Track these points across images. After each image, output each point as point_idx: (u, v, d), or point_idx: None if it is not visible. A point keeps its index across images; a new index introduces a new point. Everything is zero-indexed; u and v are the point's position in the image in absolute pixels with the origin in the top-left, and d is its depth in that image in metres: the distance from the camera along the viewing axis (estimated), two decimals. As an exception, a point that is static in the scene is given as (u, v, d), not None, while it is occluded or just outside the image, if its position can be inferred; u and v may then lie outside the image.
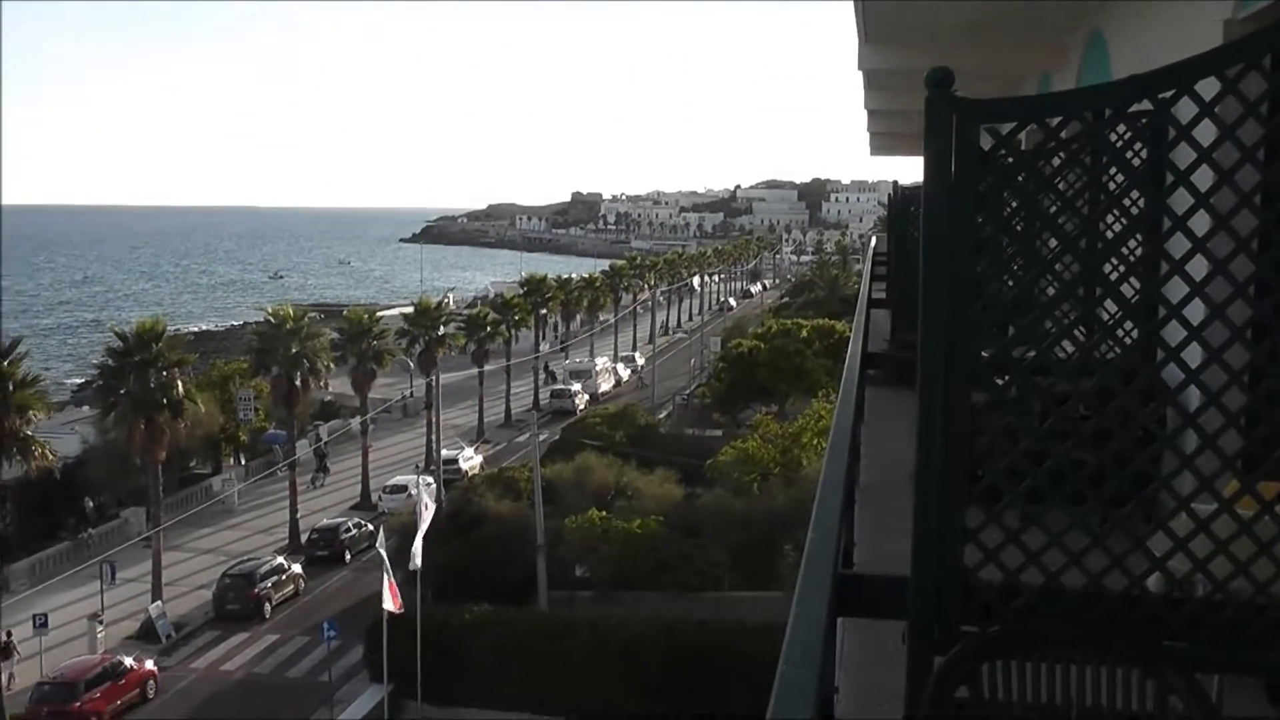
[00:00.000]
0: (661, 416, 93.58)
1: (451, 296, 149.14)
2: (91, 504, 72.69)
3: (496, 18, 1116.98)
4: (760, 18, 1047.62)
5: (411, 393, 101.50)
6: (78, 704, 46.63)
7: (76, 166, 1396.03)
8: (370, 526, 65.94)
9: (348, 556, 65.84)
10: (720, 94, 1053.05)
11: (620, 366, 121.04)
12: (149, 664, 51.01)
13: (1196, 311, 4.30)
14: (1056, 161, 4.90)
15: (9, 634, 51.97)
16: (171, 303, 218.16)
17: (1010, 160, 4.64)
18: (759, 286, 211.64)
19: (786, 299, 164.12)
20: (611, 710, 45.90)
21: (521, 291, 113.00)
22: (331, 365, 76.24)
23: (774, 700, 3.66)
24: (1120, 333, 5.12)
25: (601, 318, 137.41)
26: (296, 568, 62.10)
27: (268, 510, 74.30)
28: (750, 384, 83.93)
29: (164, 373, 59.75)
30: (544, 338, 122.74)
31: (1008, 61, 19.74)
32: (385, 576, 46.99)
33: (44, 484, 62.61)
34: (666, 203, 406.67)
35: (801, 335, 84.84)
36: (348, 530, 67.33)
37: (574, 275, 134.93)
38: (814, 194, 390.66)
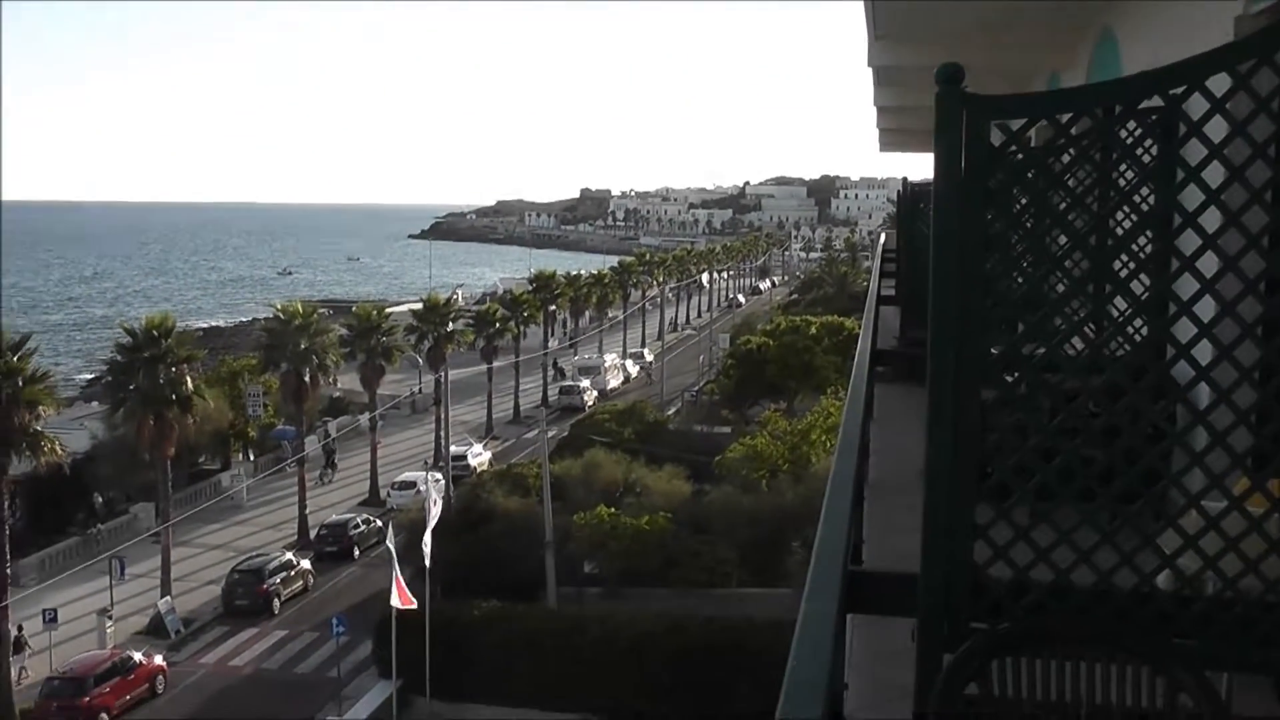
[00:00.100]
0: (670, 413, 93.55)
1: (460, 293, 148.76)
2: (100, 499, 72.83)
3: (508, 12, 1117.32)
4: (770, 14, 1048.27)
5: (420, 389, 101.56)
6: (87, 699, 46.75)
7: (88, 162, 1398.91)
8: (379, 522, 65.97)
9: (356, 552, 65.89)
10: (730, 90, 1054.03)
11: (629, 363, 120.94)
12: (158, 659, 51.14)
13: (1207, 308, 4.29)
14: (1067, 158, 4.90)
15: (20, 628, 52.09)
16: (180, 299, 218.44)
17: (1020, 156, 4.63)
18: (768, 283, 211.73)
19: (795, 296, 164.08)
20: (620, 706, 45.89)
21: (530, 288, 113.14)
22: (340, 361, 76.40)
23: (784, 696, 3.65)
24: (1130, 329, 5.11)
25: (610, 314, 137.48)
26: (305, 563, 62.22)
27: (276, 506, 74.41)
28: (759, 381, 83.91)
29: (173, 369, 59.80)
30: (553, 334, 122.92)
31: (1017, 58, 19.71)
32: (394, 574, 47.08)
33: (53, 479, 62.65)
34: (675, 199, 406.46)
35: (810, 332, 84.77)
36: (356, 526, 67.38)
37: (583, 272, 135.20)
38: (823, 190, 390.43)
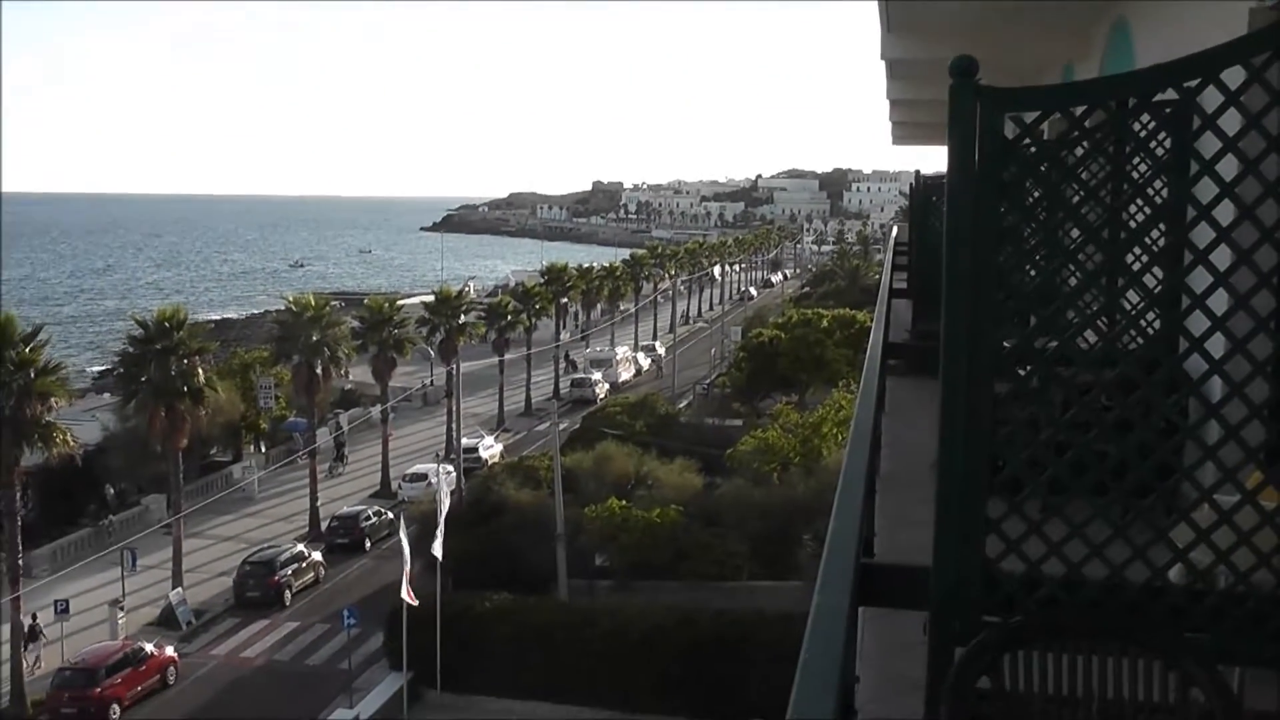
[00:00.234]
0: (682, 406, 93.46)
1: (472, 285, 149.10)
2: (112, 491, 72.97)
3: (520, 7, 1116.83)
4: (784, 7, 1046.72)
5: (432, 381, 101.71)
6: (98, 690, 46.90)
7: (102, 155, 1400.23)
8: (390, 514, 66.11)
9: (368, 544, 65.99)
10: (742, 83, 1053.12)
11: (641, 356, 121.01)
12: (169, 650, 51.27)
13: (1220, 302, 4.27)
14: (1080, 151, 4.88)
15: (35, 617, 52.27)
16: (192, 291, 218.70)
17: (1034, 149, 4.62)
18: (780, 276, 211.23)
19: (807, 289, 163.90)
20: (631, 699, 45.95)
21: (542, 280, 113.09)
22: (352, 354, 76.36)
23: (796, 689, 3.66)
24: (1143, 323, 5.10)
25: (622, 307, 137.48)
26: (316, 555, 62.33)
27: (288, 498, 74.51)
28: (771, 374, 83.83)
29: (185, 360, 59.90)
30: (564, 327, 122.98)
31: (1031, 51, 19.68)
32: (405, 568, 47.15)
33: (65, 471, 62.72)
34: (688, 192, 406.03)
35: (822, 325, 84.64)
36: (368, 518, 67.49)
37: (595, 264, 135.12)
38: (835, 184, 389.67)
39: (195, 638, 55.37)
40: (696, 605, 48.03)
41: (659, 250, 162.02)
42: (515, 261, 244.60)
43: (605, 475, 61.11)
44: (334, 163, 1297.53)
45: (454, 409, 73.98)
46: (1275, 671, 4.68)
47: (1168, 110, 4.86)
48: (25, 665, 49.65)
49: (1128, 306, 5.48)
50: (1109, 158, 6.07)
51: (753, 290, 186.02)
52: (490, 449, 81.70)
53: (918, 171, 20.56)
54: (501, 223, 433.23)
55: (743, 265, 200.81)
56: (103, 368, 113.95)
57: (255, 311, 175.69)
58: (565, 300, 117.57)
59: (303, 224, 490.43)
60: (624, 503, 55.78)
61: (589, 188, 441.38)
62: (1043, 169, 4.68)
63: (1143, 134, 4.86)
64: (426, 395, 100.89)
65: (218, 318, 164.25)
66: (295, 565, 60.00)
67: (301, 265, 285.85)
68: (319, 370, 71.46)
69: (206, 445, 78.37)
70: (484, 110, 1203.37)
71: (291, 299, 76.84)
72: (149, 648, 50.19)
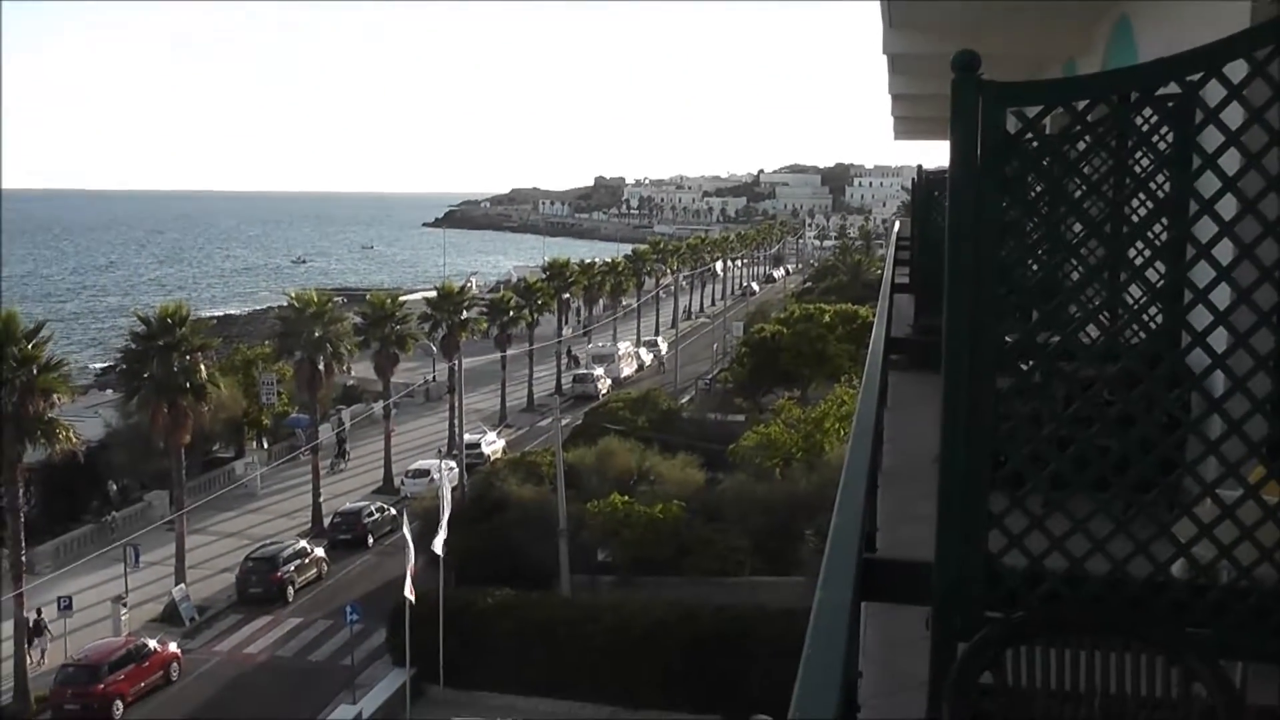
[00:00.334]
0: (684, 401, 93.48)
1: (474, 281, 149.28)
2: (115, 487, 73.01)
3: (525, 3, 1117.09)
4: (784, 4, 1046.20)
5: (434, 377, 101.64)
6: (101, 686, 46.89)
7: (103, 151, 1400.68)
8: (393, 510, 66.08)
9: (370, 540, 66.01)
10: (744, 78, 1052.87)
11: (643, 351, 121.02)
12: (172, 647, 51.29)
13: (1223, 296, 4.27)
14: (1082, 145, 4.88)
15: (40, 612, 52.33)
16: (194, 287, 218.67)
17: (1036, 144, 4.62)
18: (782, 271, 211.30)
19: (809, 284, 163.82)
20: (633, 694, 45.98)
21: (544, 276, 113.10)
22: (354, 350, 76.42)
23: (799, 685, 3.65)
24: (1145, 317, 5.10)
25: (624, 302, 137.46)
26: (319, 551, 62.33)
27: (290, 494, 74.55)
28: (773, 369, 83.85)
29: (187, 357, 59.90)
30: (566, 322, 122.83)
31: (1033, 46, 19.67)
32: (408, 563, 47.15)
33: (68, 467, 62.76)
34: (689, 187, 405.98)
35: (824, 320, 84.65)
36: (370, 514, 67.51)
37: (597, 260, 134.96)
38: (837, 179, 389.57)
39: (198, 634, 55.38)
40: (699, 601, 48.02)
41: (661, 245, 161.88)
42: (517, 257, 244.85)
43: (607, 471, 61.10)
44: (336, 159, 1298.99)
45: (456, 405, 74.01)
46: (1278, 667, 4.67)
47: (1170, 104, 4.85)
48: (30, 660, 49.70)
49: (1130, 301, 5.48)
50: (1111, 152, 6.06)
51: (755, 285, 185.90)
52: (492, 445, 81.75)
53: (920, 166, 20.54)
54: (504, 218, 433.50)
55: (745, 260, 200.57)
56: (105, 364, 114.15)
57: (258, 308, 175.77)
58: (567, 296, 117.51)
59: (305, 220, 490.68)
60: (626, 498, 55.79)
61: (591, 183, 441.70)
62: (1045, 163, 4.67)
63: (1145, 128, 4.85)
64: (429, 391, 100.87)
65: (220, 314, 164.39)
66: (298, 561, 60.02)
67: (304, 261, 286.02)
68: (321, 366, 71.47)
69: (209, 441, 78.42)
70: (485, 107, 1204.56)
71: (294, 295, 76.86)
72: (152, 644, 50.20)
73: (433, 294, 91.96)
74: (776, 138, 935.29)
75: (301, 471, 73.71)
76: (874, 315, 16.60)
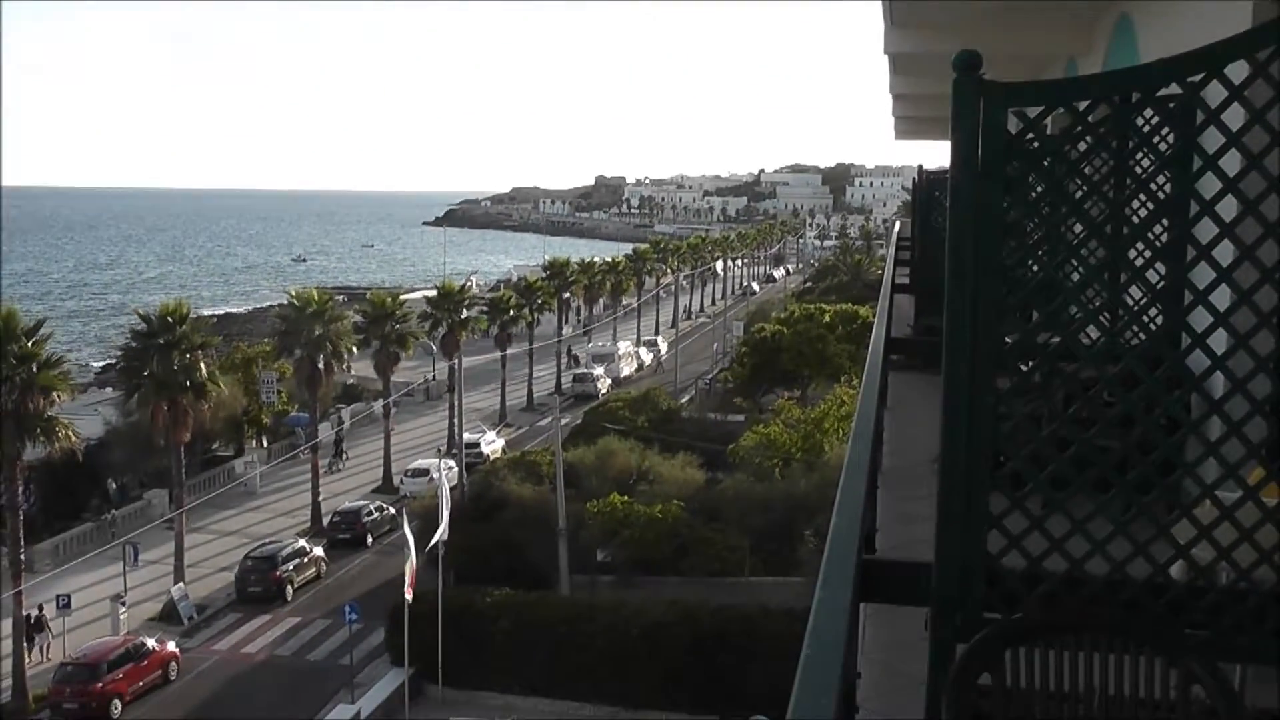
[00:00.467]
0: (684, 401, 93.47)
1: (475, 280, 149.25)
2: (114, 485, 73.01)
3: (525, 3, 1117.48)
4: (785, 4, 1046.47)
5: (434, 376, 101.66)
6: (100, 685, 46.87)
7: (103, 148, 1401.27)
8: (392, 510, 66.08)
9: (369, 539, 65.98)
10: (745, 78, 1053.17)
11: (643, 351, 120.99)
12: (171, 646, 51.28)
13: (1223, 297, 4.27)
14: (1084, 146, 4.87)
15: (41, 608, 52.35)
16: (195, 285, 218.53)
17: (1037, 144, 4.61)
18: (782, 271, 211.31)
19: (810, 284, 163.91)
20: (632, 694, 46.00)
21: (544, 275, 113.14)
22: (354, 348, 76.43)
23: (797, 686, 3.65)
24: (1145, 318, 5.09)
25: (624, 302, 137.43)
26: (318, 550, 62.29)
27: (290, 493, 74.52)
28: (773, 369, 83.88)
29: (187, 355, 59.91)
30: (566, 321, 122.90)
31: (1034, 46, 19.66)
32: (409, 562, 47.12)
33: (67, 465, 62.77)
34: (690, 186, 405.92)
35: (824, 320, 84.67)
36: (369, 513, 67.47)
37: (597, 259, 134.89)
38: (838, 178, 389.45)
39: (197, 633, 55.37)
40: (698, 601, 48.02)
41: (661, 245, 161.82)
42: (518, 256, 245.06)
43: (607, 470, 61.11)
44: (337, 158, 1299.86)
45: (456, 404, 74.01)
46: (1276, 669, 4.67)
47: (1171, 105, 4.84)
48: (30, 657, 49.73)
49: (1130, 302, 5.48)
50: (1112, 152, 6.07)
51: (755, 285, 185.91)
52: (492, 444, 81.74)
53: (921, 166, 20.54)
54: (504, 217, 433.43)
55: (745, 260, 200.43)
56: (105, 362, 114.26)
57: (258, 306, 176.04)
58: (567, 295, 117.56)
59: (306, 219, 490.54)
60: (626, 498, 55.84)
61: (592, 182, 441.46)
62: (1046, 164, 4.67)
63: (1146, 129, 4.85)
64: (429, 390, 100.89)
65: (220, 312, 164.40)
66: (297, 560, 59.98)
67: (304, 260, 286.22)
68: (321, 365, 71.49)
69: (209, 440, 78.48)
70: (486, 106, 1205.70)
71: (294, 294, 76.80)
72: (151, 643, 50.18)
73: (433, 293, 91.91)
74: (777, 137, 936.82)
75: (301, 470, 73.71)
76: (874, 315, 16.60)
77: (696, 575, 51.84)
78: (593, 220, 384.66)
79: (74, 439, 53.76)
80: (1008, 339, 4.57)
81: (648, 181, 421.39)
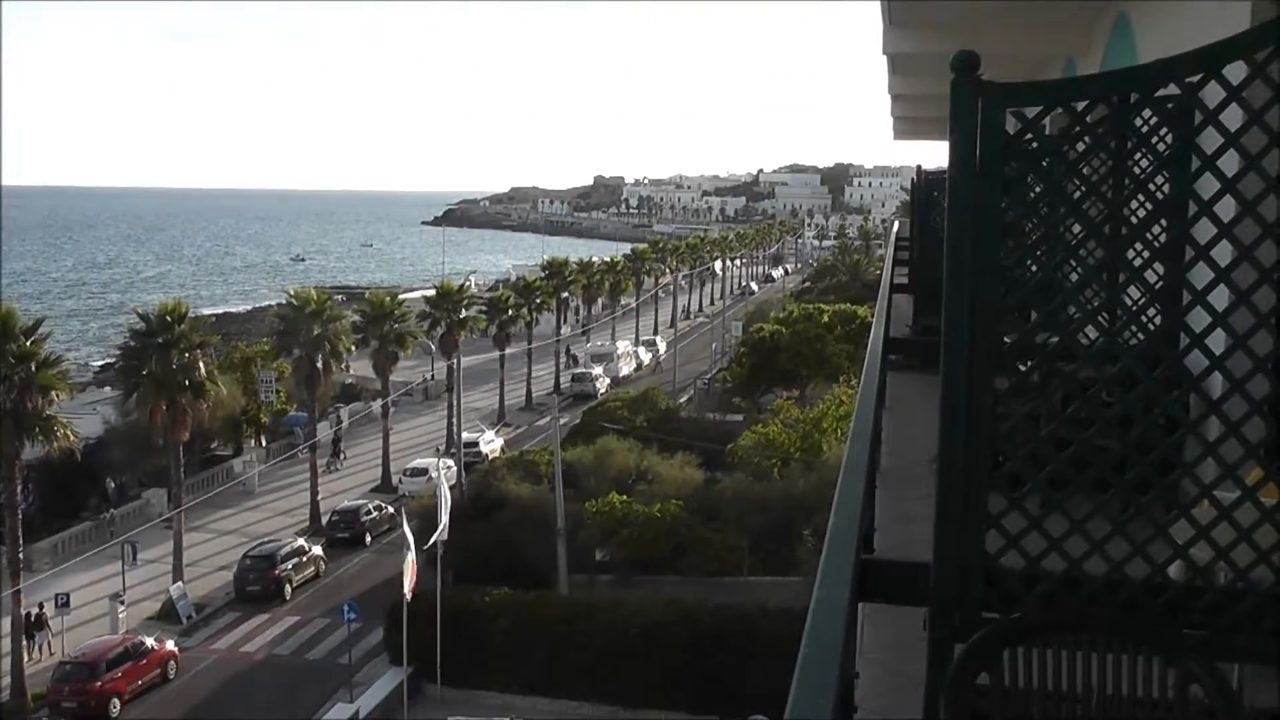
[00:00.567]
0: (682, 401, 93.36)
1: (473, 279, 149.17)
2: (113, 484, 73.00)
3: (525, 3, 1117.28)
4: (784, 4, 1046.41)
5: (433, 375, 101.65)
6: (99, 684, 46.82)
7: (102, 148, 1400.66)
8: (391, 509, 66.04)
9: (368, 539, 65.96)
10: (744, 78, 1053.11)
11: (641, 350, 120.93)
12: (170, 644, 51.23)
13: (1221, 297, 4.27)
14: (1082, 146, 4.87)
15: (41, 606, 52.35)
16: (194, 285, 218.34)
17: (1035, 144, 4.62)
18: (781, 271, 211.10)
19: (808, 284, 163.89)
20: (630, 693, 45.98)
21: (543, 275, 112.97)
22: (353, 348, 76.42)
23: (795, 685, 3.65)
24: (1144, 319, 5.10)
25: (623, 301, 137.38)
26: (317, 549, 62.24)
27: (288, 492, 74.47)
28: (771, 369, 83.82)
29: (186, 354, 59.83)
30: (565, 321, 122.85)
31: (1033, 46, 19.67)
32: (409, 560, 47.08)
33: (66, 464, 62.69)
34: (689, 186, 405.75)
35: (823, 320, 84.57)
36: (368, 513, 67.44)
37: (596, 259, 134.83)
38: (837, 178, 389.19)
39: (196, 632, 55.34)
40: (697, 600, 47.99)
41: (660, 245, 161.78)
42: (516, 256, 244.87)
43: (606, 470, 61.08)
44: (336, 157, 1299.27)
45: (455, 403, 73.95)
46: (1275, 668, 4.67)
47: (1169, 106, 4.85)
48: (29, 655, 49.72)
49: (1129, 302, 5.48)
50: (1110, 153, 6.06)
51: (754, 285, 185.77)
52: (491, 443, 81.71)
53: (919, 166, 20.56)
54: (503, 217, 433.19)
55: (744, 260, 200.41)
56: (104, 361, 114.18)
57: (257, 305, 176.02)
58: (566, 295, 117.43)
59: (304, 218, 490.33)
60: (624, 498, 55.82)
61: (590, 182, 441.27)
62: (1044, 164, 4.67)
63: (1144, 129, 4.85)
64: (427, 390, 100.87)
65: (219, 312, 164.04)
66: (296, 559, 59.94)
67: (303, 259, 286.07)
68: (320, 364, 71.44)
69: (207, 439, 78.43)
70: (485, 106, 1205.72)
71: (293, 293, 76.74)
72: (149, 642, 50.14)
73: (432, 292, 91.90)
74: (776, 138, 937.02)
75: (299, 469, 73.66)
76: (873, 315, 16.61)
77: (695, 575, 51.82)
78: (591, 220, 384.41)
79: (72, 438, 53.71)
80: (1006, 339, 4.58)
81: (646, 181, 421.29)
